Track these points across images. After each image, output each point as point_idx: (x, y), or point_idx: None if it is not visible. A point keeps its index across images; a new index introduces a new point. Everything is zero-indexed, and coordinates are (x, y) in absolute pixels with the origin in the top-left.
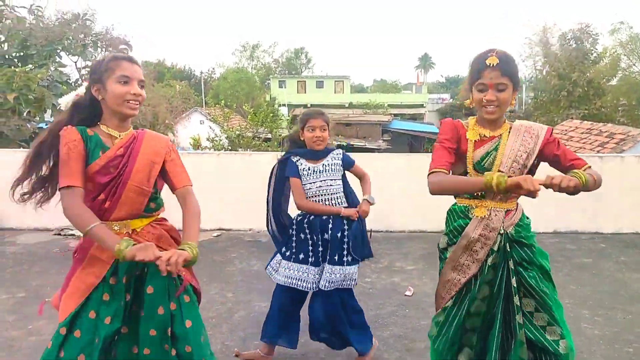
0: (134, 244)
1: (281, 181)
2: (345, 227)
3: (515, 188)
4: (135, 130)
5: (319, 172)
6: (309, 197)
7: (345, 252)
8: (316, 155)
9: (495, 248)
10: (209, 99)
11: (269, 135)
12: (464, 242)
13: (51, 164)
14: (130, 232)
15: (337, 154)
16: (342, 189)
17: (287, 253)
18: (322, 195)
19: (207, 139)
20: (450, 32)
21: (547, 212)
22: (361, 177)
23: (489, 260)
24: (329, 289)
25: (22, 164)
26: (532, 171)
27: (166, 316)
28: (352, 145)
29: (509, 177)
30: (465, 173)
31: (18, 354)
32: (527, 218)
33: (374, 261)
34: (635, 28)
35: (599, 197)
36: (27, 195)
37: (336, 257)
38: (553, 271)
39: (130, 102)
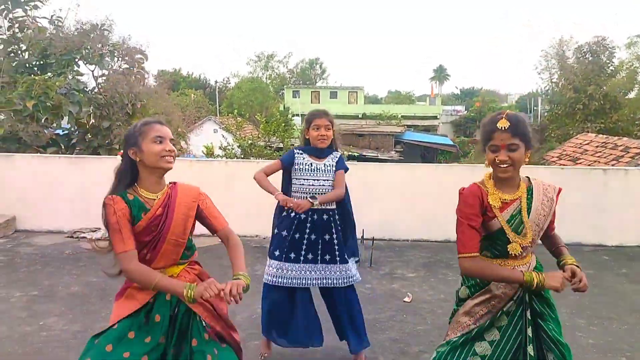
0: (195, 285)
1: (286, 173)
2: (340, 227)
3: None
4: (168, 186)
5: (319, 171)
6: (304, 192)
7: (337, 251)
8: (320, 153)
9: (514, 297)
10: (223, 108)
11: (281, 145)
12: (487, 296)
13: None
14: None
15: (335, 156)
16: (331, 189)
17: (277, 253)
18: (312, 192)
19: (220, 148)
20: (467, 44)
21: None
22: (336, 184)
23: (505, 307)
24: (339, 285)
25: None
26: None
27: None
28: (365, 155)
29: (543, 276)
30: (496, 236)
31: (30, 347)
32: (541, 266)
33: (376, 268)
34: None
35: (603, 210)
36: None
37: (333, 256)
38: None
39: (166, 157)
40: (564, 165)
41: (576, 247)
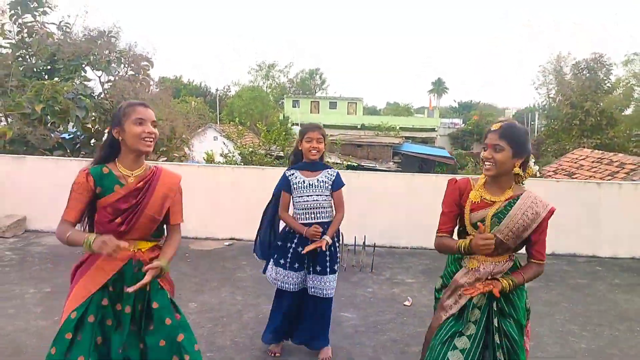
0: (95, 236)
1: (277, 193)
2: (336, 242)
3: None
4: (153, 167)
5: (313, 187)
6: (300, 209)
7: (328, 264)
8: (312, 167)
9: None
10: (224, 116)
11: (282, 154)
12: (452, 286)
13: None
14: (135, 250)
15: (332, 173)
16: (331, 204)
17: (282, 261)
18: (312, 208)
19: (221, 155)
20: (465, 57)
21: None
22: (337, 206)
23: (475, 300)
24: (316, 294)
25: None
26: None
27: (172, 326)
28: (363, 165)
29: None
30: (461, 230)
31: (47, 341)
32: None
33: (377, 273)
34: None
35: (597, 223)
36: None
37: (319, 269)
38: (546, 290)
39: (145, 139)
40: (559, 179)
41: (570, 258)
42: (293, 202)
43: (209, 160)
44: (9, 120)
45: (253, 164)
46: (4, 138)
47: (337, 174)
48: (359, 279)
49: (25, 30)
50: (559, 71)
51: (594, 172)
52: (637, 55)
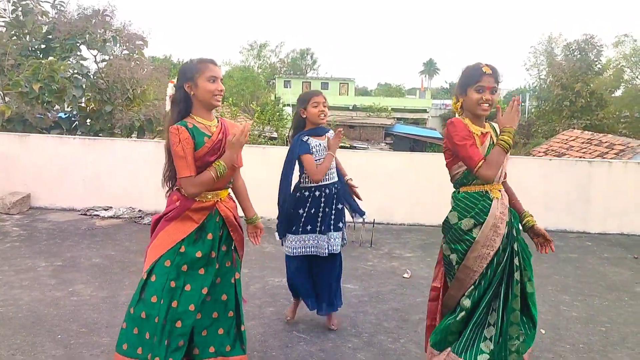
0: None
1: (292, 160)
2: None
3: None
4: (219, 118)
5: (325, 149)
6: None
7: (342, 219)
8: (320, 131)
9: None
10: None
11: (275, 134)
12: (492, 221)
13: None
14: (218, 200)
15: (331, 133)
16: (335, 165)
17: (294, 228)
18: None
19: None
20: (456, 38)
21: (536, 211)
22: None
23: (502, 245)
24: (337, 251)
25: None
26: None
27: (232, 267)
28: (355, 147)
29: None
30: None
31: (64, 309)
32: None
33: (375, 248)
34: (639, 41)
35: (588, 200)
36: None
37: (340, 224)
38: (539, 263)
39: (217, 95)
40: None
41: (561, 234)
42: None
43: None
44: (7, 99)
45: (247, 145)
46: (2, 117)
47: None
48: (359, 254)
49: (20, 9)
50: (550, 52)
51: (583, 152)
52: (627, 36)
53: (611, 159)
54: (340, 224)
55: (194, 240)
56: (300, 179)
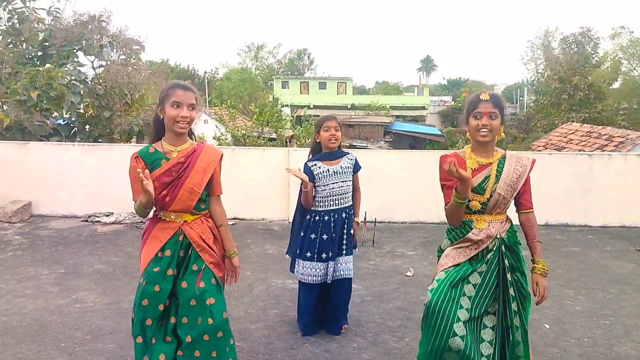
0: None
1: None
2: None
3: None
4: (197, 143)
5: (337, 174)
6: (324, 196)
7: (350, 244)
8: (332, 156)
9: (492, 247)
10: (213, 98)
11: (274, 135)
12: (466, 244)
13: None
14: (182, 222)
15: (351, 158)
16: (351, 190)
17: (308, 254)
18: (336, 195)
19: (214, 138)
20: (453, 34)
21: (538, 206)
22: (355, 189)
23: (486, 256)
24: (347, 276)
25: None
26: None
27: (204, 290)
28: (355, 146)
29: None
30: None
31: (68, 317)
32: (514, 228)
33: (378, 247)
34: (635, 33)
35: (589, 193)
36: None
37: (350, 249)
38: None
39: (180, 122)
40: (551, 152)
41: (563, 228)
42: (317, 192)
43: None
44: (5, 107)
45: (245, 146)
46: (1, 125)
47: (355, 158)
48: (361, 253)
49: (16, 17)
50: (547, 46)
51: (583, 145)
52: (623, 28)
53: (611, 151)
54: (351, 249)
55: (158, 257)
56: (316, 200)
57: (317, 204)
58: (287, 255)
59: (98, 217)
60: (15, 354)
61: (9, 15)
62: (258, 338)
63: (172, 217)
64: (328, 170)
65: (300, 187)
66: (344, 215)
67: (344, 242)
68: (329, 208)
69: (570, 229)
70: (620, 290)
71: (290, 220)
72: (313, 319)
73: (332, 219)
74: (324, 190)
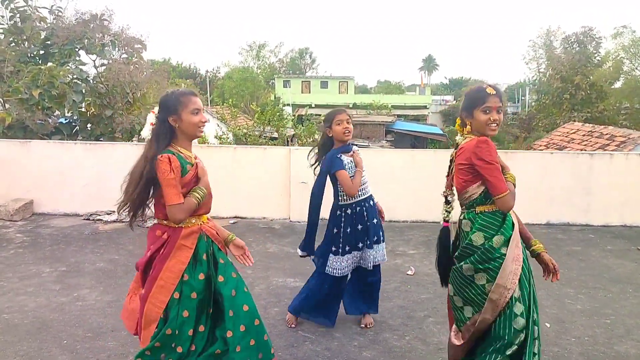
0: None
1: (324, 177)
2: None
3: None
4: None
5: (354, 165)
6: None
7: (381, 233)
8: (347, 149)
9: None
10: (214, 97)
11: (275, 135)
12: (517, 237)
13: (148, 184)
14: (201, 224)
15: (357, 148)
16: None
17: (334, 248)
18: (361, 185)
19: (215, 137)
20: (455, 34)
21: (539, 205)
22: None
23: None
24: (378, 263)
25: (125, 189)
26: None
27: (238, 279)
28: (356, 145)
29: None
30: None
31: (69, 315)
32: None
33: None
34: (638, 32)
35: (590, 193)
36: (132, 215)
37: (377, 237)
38: None
39: (201, 127)
40: (553, 152)
41: (565, 227)
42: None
43: (201, 142)
44: (7, 105)
45: (247, 145)
46: (3, 124)
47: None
48: None
49: (18, 15)
50: (549, 45)
51: (584, 145)
52: (626, 27)
53: (612, 150)
54: (379, 237)
55: (192, 265)
56: (338, 197)
57: (346, 197)
58: (312, 259)
59: (100, 215)
60: (17, 352)
61: (11, 14)
62: None
63: (193, 221)
64: (350, 161)
65: (314, 188)
66: (371, 202)
67: (380, 230)
68: (358, 199)
69: (572, 228)
70: (621, 289)
71: (292, 219)
72: (334, 312)
73: (364, 208)
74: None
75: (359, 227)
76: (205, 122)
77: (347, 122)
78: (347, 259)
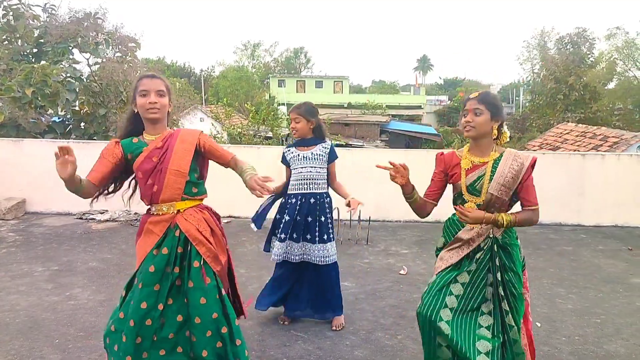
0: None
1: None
2: (328, 213)
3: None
4: (173, 129)
5: (307, 159)
6: (295, 180)
7: (331, 232)
8: (305, 142)
9: (483, 246)
10: (209, 96)
11: (270, 134)
12: (457, 244)
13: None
14: (175, 212)
15: (326, 146)
16: (324, 176)
17: (282, 235)
18: (306, 179)
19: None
20: (449, 33)
21: None
22: (332, 179)
23: (475, 255)
24: (321, 263)
25: None
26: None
27: (211, 286)
28: (351, 144)
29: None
30: (460, 194)
31: (61, 314)
32: (514, 229)
33: (372, 245)
34: (630, 33)
35: (582, 193)
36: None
37: (325, 236)
38: (534, 257)
39: (150, 109)
40: (545, 152)
41: (556, 227)
42: (292, 174)
43: None
44: (0, 104)
45: (242, 145)
46: None
47: (332, 146)
48: (355, 251)
49: (11, 13)
50: (542, 46)
51: (577, 145)
52: (619, 29)
53: (605, 151)
54: (328, 236)
55: (153, 255)
56: (290, 185)
57: (290, 187)
58: (251, 223)
59: (92, 214)
60: (8, 351)
61: (4, 12)
62: (251, 335)
63: (164, 209)
64: (298, 155)
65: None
66: (312, 200)
67: (316, 229)
68: (299, 191)
69: (564, 228)
70: (611, 289)
71: None
72: (278, 295)
73: (299, 202)
74: (294, 174)
75: (298, 218)
76: (153, 102)
77: (295, 122)
78: (282, 247)
